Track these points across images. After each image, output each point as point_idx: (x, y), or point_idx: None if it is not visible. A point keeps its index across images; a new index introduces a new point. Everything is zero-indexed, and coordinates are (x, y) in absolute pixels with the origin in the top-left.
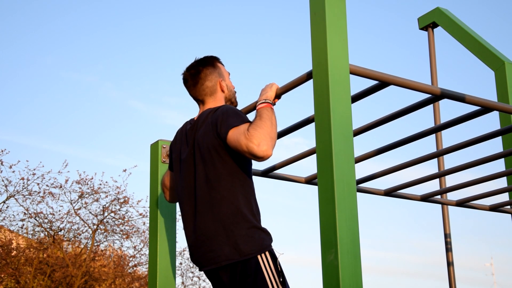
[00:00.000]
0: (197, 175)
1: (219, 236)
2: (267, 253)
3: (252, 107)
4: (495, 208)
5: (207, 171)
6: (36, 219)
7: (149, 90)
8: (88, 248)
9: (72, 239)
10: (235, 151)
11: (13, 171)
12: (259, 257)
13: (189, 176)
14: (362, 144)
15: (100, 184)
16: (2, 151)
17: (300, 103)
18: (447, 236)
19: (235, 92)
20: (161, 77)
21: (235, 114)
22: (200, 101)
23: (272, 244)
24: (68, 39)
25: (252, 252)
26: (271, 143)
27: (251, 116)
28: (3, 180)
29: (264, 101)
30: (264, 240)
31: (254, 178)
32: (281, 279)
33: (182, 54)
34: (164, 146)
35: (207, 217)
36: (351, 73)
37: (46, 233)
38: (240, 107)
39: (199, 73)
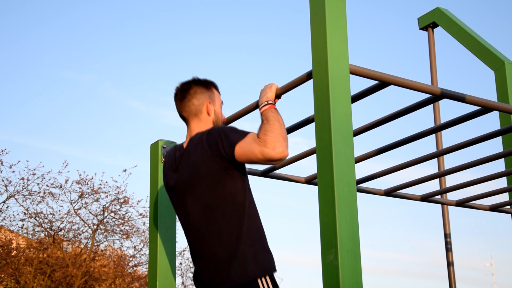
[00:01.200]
0: (193, 202)
1: (225, 261)
2: (267, 277)
3: (252, 107)
4: (495, 208)
5: (205, 198)
6: (36, 219)
7: (147, 89)
8: (88, 248)
9: (72, 239)
10: (234, 172)
11: (13, 171)
12: (259, 280)
13: (184, 204)
14: (362, 144)
15: (100, 184)
16: (2, 151)
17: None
18: (447, 236)
19: (224, 121)
20: (159, 77)
21: (233, 130)
22: (184, 119)
23: (275, 266)
24: (66, 38)
25: (256, 274)
26: (285, 143)
27: (251, 115)
28: (3, 180)
29: (266, 103)
30: (267, 262)
31: (254, 178)
32: None
33: (181, 53)
34: (164, 146)
35: (212, 242)
36: (351, 73)
37: (46, 233)
38: (240, 106)
39: (189, 89)
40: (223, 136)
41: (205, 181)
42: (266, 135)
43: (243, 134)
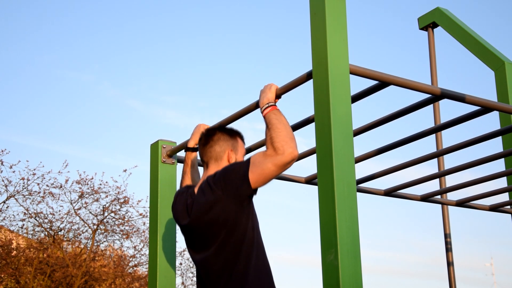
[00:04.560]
0: (204, 242)
1: None
2: None
3: (252, 107)
4: (495, 208)
5: (216, 237)
6: (36, 219)
7: (146, 89)
8: (88, 248)
9: (72, 239)
10: (244, 211)
11: (13, 171)
12: None
13: (195, 241)
14: (362, 144)
15: (100, 184)
16: (2, 151)
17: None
18: (447, 236)
19: None
20: (158, 76)
21: (236, 165)
22: (204, 163)
23: None
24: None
25: None
26: (293, 144)
27: (251, 115)
28: (3, 180)
29: (267, 105)
30: None
31: None
32: None
33: (180, 53)
34: (164, 146)
35: (220, 281)
36: (351, 73)
37: (46, 233)
38: (240, 107)
39: (213, 135)
40: (232, 175)
41: (216, 222)
42: (273, 142)
43: (247, 162)
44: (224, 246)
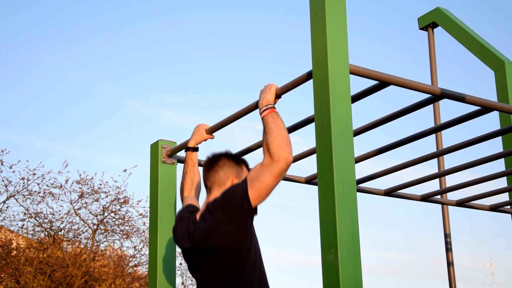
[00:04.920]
0: (207, 265)
1: None
2: None
3: (252, 107)
4: (495, 208)
5: (218, 261)
6: (36, 219)
7: (146, 88)
8: (88, 248)
9: (72, 239)
10: (246, 234)
11: (13, 171)
12: None
13: (197, 265)
14: (362, 144)
15: (100, 184)
16: (2, 151)
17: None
18: (447, 236)
19: None
20: (158, 76)
21: (234, 187)
22: (207, 188)
23: None
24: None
25: None
26: (288, 149)
27: (251, 115)
28: (3, 180)
29: (266, 107)
30: None
31: None
32: None
33: (180, 53)
34: (164, 146)
35: None
36: (351, 73)
37: (46, 233)
38: (240, 107)
39: (218, 161)
40: (232, 195)
41: (219, 247)
42: (269, 148)
43: (244, 180)
44: (227, 269)
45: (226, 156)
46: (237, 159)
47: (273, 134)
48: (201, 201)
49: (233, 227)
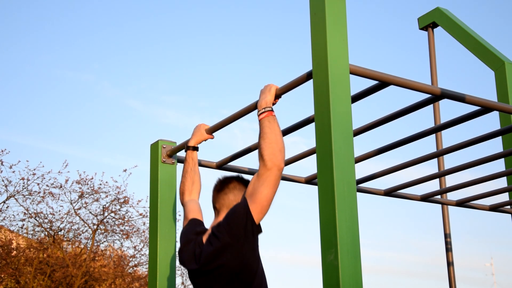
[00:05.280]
0: (212, 284)
1: None
2: None
3: (252, 107)
4: (495, 208)
5: (222, 286)
6: (36, 219)
7: (146, 88)
8: (88, 248)
9: (72, 239)
10: (251, 255)
11: (13, 171)
12: None
13: (203, 285)
14: (362, 144)
15: (100, 184)
16: (2, 151)
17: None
18: (447, 236)
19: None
20: (158, 76)
21: (236, 207)
22: (216, 210)
23: None
24: (63, 38)
25: None
26: (280, 155)
27: (251, 115)
28: (3, 180)
29: (263, 110)
30: None
31: None
32: None
33: (180, 53)
34: (164, 146)
35: None
36: (351, 73)
37: (46, 233)
38: (240, 107)
39: (228, 183)
40: (234, 216)
41: (226, 269)
42: (262, 154)
43: (243, 199)
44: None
45: (237, 179)
46: (248, 183)
47: (267, 139)
48: (208, 222)
49: (241, 248)
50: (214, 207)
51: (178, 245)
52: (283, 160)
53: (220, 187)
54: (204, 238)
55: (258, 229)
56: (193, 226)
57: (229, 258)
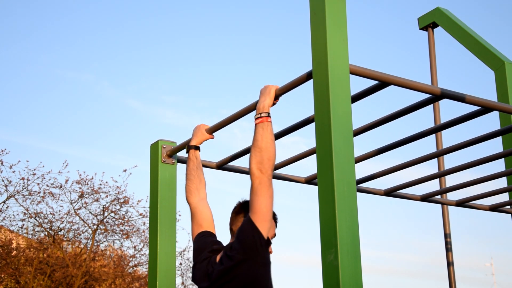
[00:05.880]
0: None
1: None
2: None
3: (252, 107)
4: (495, 208)
5: None
6: (36, 219)
7: (146, 88)
8: (88, 248)
9: (72, 239)
10: (267, 276)
11: (13, 171)
12: None
13: None
14: (362, 144)
15: (100, 184)
16: (2, 151)
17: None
18: (447, 236)
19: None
20: (158, 76)
21: (242, 222)
22: (232, 232)
23: None
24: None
25: None
26: (268, 164)
27: (251, 116)
28: (3, 180)
29: (259, 115)
30: None
31: None
32: None
33: (180, 53)
34: (164, 146)
35: None
36: (351, 73)
37: (46, 233)
38: (240, 107)
39: (247, 207)
40: (243, 234)
41: (239, 282)
42: (251, 165)
43: (247, 216)
44: None
45: None
46: None
47: (257, 147)
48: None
49: (253, 262)
50: (231, 229)
51: (178, 248)
52: (270, 168)
53: (239, 210)
54: (218, 258)
55: (268, 241)
56: (210, 243)
57: (241, 272)
